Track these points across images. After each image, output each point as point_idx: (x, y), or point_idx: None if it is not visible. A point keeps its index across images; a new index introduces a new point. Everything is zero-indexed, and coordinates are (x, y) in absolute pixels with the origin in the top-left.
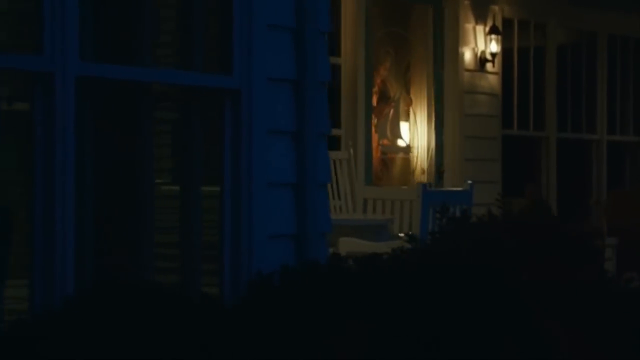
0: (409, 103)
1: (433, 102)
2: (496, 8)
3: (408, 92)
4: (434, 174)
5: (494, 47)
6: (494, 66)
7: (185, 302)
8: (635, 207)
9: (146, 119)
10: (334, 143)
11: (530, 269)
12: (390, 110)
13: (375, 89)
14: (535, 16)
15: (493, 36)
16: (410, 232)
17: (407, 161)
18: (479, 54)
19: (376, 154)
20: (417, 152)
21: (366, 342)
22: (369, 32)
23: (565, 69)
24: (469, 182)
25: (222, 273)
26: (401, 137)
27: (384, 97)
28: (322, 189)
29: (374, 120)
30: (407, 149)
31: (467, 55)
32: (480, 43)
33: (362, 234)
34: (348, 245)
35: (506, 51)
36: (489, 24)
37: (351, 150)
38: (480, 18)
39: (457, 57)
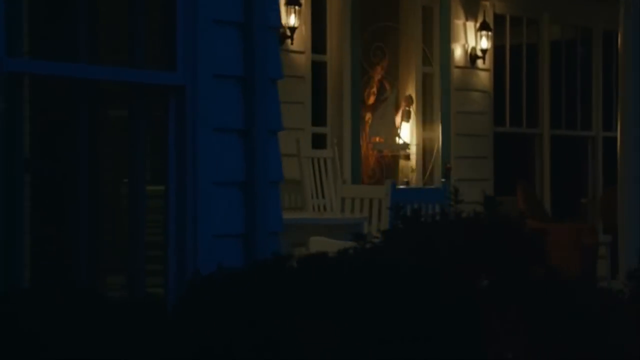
0: (408, 100)
1: (432, 100)
2: (487, 4)
3: (400, 89)
4: (429, 171)
5: (485, 43)
6: (484, 63)
7: (116, 304)
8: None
9: (89, 117)
10: (321, 141)
11: (469, 269)
12: (382, 107)
13: (373, 89)
14: (527, 12)
15: (483, 32)
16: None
17: (405, 159)
18: (469, 51)
19: (367, 153)
20: (416, 150)
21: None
22: (355, 29)
23: (559, 65)
24: (442, 180)
25: (167, 273)
26: (397, 135)
27: (381, 95)
28: (274, 187)
29: (368, 118)
30: (405, 146)
31: (458, 52)
32: (471, 39)
33: (336, 233)
34: (318, 244)
35: (498, 48)
36: (480, 20)
37: (336, 149)
38: (470, 14)
39: (448, 53)
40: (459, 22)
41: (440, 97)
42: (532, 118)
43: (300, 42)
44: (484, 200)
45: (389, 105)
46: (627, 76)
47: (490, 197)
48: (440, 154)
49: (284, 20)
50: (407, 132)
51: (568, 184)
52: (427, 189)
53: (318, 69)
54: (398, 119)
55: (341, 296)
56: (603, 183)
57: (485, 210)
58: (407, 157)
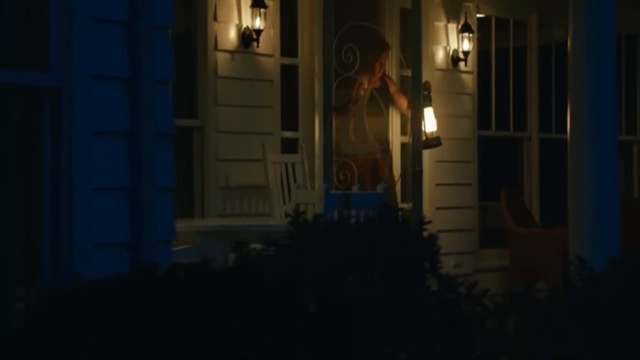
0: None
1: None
2: (470, 6)
3: (381, 89)
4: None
5: (466, 45)
6: (466, 65)
7: None
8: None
9: None
10: (292, 146)
11: (337, 276)
12: (356, 110)
13: (365, 87)
14: (514, 14)
15: (465, 34)
16: None
17: (382, 162)
18: (451, 53)
19: (357, 157)
20: (394, 153)
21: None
22: (327, 30)
23: (548, 67)
24: (384, 185)
25: (42, 283)
26: (373, 138)
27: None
28: (164, 193)
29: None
30: (382, 149)
31: (439, 54)
32: (453, 42)
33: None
34: None
35: (483, 50)
36: (462, 22)
37: (304, 153)
38: (452, 16)
39: (427, 56)
40: (439, 24)
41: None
42: (520, 121)
43: (267, 45)
44: (381, 206)
45: (361, 107)
46: (575, 77)
47: (518, 203)
48: (425, 157)
49: (249, 23)
50: (431, 120)
51: (559, 188)
52: (365, 194)
53: (289, 72)
54: (378, 120)
55: (176, 306)
56: None
57: (381, 216)
58: (391, 160)
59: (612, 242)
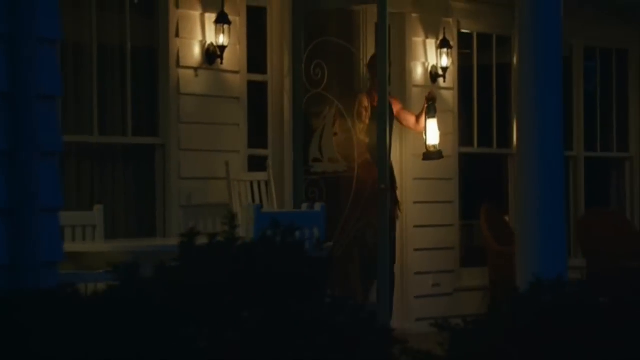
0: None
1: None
2: (450, 21)
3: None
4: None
5: (445, 61)
6: (445, 81)
7: None
8: (603, 229)
9: None
10: (262, 164)
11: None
12: (322, 126)
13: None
14: (497, 29)
15: (444, 50)
16: None
17: (350, 180)
18: (429, 69)
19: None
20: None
21: None
22: (297, 47)
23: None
24: (321, 203)
25: None
26: (339, 155)
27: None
28: (49, 213)
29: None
30: (347, 166)
31: (417, 70)
32: (432, 57)
33: None
34: None
35: (466, 66)
36: (441, 37)
37: (271, 172)
38: (431, 32)
39: (405, 72)
40: (417, 40)
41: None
42: (504, 138)
43: (233, 62)
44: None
45: (327, 124)
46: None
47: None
48: (402, 175)
49: (213, 40)
50: (434, 134)
51: None
52: (300, 213)
53: (259, 89)
54: (345, 135)
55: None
56: (586, 204)
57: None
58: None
59: (559, 262)
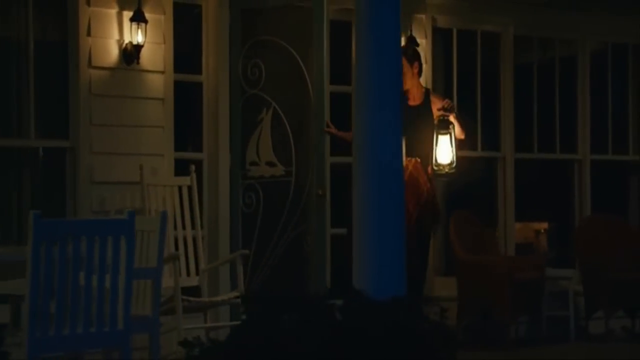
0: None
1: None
2: (423, 17)
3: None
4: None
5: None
6: None
7: None
8: (600, 237)
9: None
10: (197, 168)
11: None
12: (260, 128)
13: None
14: (482, 24)
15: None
16: None
17: (287, 185)
18: None
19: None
20: (300, 174)
21: None
22: (234, 46)
23: (526, 83)
24: (130, 210)
25: None
26: (276, 159)
27: None
28: None
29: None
30: (285, 171)
31: None
32: None
33: None
34: None
35: (446, 65)
36: (417, 35)
37: (194, 176)
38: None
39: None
40: None
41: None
42: (492, 141)
43: (156, 61)
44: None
45: (265, 126)
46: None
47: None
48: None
49: (130, 39)
50: (445, 151)
51: (544, 211)
52: (103, 221)
53: (194, 91)
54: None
55: None
56: (600, 210)
57: None
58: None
59: (397, 281)
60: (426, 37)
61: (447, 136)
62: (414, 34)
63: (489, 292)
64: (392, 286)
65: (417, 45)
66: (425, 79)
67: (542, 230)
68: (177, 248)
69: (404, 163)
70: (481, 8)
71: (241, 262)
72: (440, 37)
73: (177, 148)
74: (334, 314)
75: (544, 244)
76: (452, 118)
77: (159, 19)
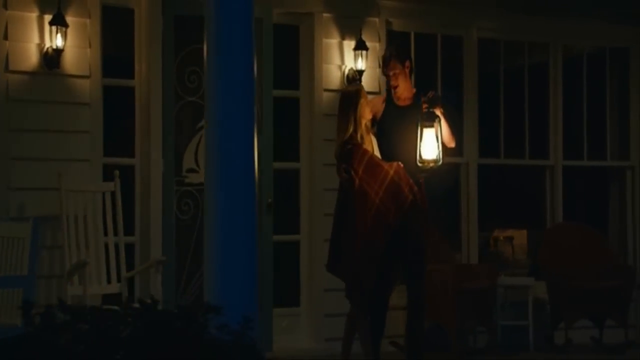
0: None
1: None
2: (376, 21)
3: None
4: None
5: (360, 64)
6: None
7: None
8: (565, 246)
9: None
10: (130, 174)
11: None
12: (200, 136)
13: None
14: (442, 28)
15: (362, 52)
16: None
17: None
18: (346, 72)
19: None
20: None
21: None
22: (169, 53)
23: (494, 86)
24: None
25: None
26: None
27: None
28: None
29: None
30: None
31: (331, 74)
32: (349, 60)
33: None
34: None
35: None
36: (368, 39)
37: (118, 182)
38: (350, 33)
39: (313, 75)
40: (331, 41)
41: (307, 123)
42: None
43: (81, 66)
44: None
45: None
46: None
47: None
48: (312, 185)
49: (51, 43)
50: (430, 146)
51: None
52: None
53: (127, 96)
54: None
55: None
56: (564, 216)
57: None
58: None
59: (247, 300)
60: (379, 41)
61: (433, 130)
62: (364, 37)
63: (436, 301)
64: (240, 301)
65: (367, 48)
66: (380, 84)
67: (502, 238)
68: (107, 255)
69: (385, 167)
70: (440, 11)
71: (158, 270)
72: (396, 41)
73: (110, 153)
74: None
75: (509, 252)
76: (438, 112)
77: (83, 23)
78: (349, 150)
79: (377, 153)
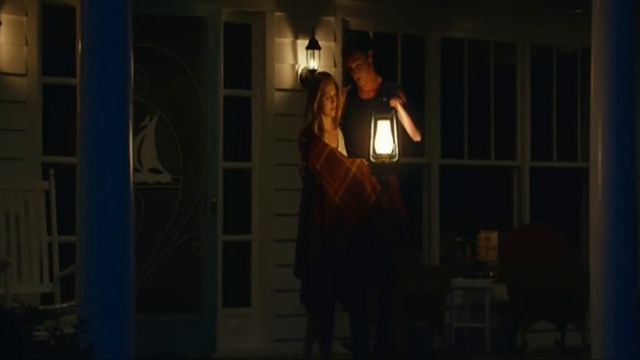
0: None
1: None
2: (332, 20)
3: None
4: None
5: (313, 63)
6: None
7: None
8: (524, 248)
9: None
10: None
11: None
12: (143, 135)
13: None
14: (402, 28)
15: (315, 52)
16: None
17: (175, 192)
18: (299, 72)
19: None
20: (189, 182)
21: None
22: None
23: (455, 86)
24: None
25: None
26: (161, 166)
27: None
28: None
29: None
30: (172, 178)
31: (283, 73)
32: (303, 59)
33: None
34: None
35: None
36: (323, 38)
37: (53, 180)
38: (305, 32)
39: (265, 75)
40: (284, 40)
41: (259, 122)
42: (419, 147)
43: (15, 63)
44: None
45: (148, 133)
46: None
47: None
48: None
49: None
50: (384, 139)
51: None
52: None
53: (69, 94)
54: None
55: None
56: (531, 217)
57: None
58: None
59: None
60: (335, 40)
61: (387, 122)
62: (319, 36)
63: None
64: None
65: (319, 48)
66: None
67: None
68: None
69: (347, 164)
70: (400, 10)
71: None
72: (352, 31)
73: (52, 152)
74: None
75: (482, 254)
76: (397, 103)
77: (19, 20)
78: (305, 144)
79: (342, 149)
